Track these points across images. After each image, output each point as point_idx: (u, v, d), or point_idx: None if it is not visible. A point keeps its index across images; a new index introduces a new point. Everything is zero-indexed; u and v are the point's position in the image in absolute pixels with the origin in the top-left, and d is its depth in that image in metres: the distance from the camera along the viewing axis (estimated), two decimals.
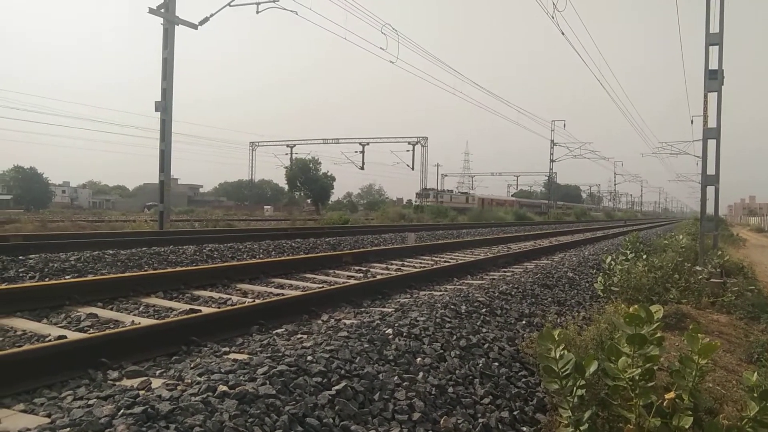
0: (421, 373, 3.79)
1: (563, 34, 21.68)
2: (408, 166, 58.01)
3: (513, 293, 7.14)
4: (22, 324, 4.92)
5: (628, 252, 10.70)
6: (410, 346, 4.21)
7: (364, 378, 3.46)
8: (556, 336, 3.40)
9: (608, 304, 7.67)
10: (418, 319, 4.91)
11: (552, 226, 37.50)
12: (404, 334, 4.43)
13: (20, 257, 8.26)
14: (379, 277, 8.60)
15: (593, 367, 3.25)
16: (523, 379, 4.32)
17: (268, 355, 3.59)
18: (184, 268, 8.17)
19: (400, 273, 9.18)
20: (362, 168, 59.00)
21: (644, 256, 9.76)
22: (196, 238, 13.27)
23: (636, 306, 3.49)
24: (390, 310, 5.65)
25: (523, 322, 5.99)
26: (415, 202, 68.12)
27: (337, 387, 3.25)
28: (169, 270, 7.93)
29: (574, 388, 3.22)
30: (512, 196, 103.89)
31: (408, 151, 57.69)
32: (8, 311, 5.17)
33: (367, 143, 58.52)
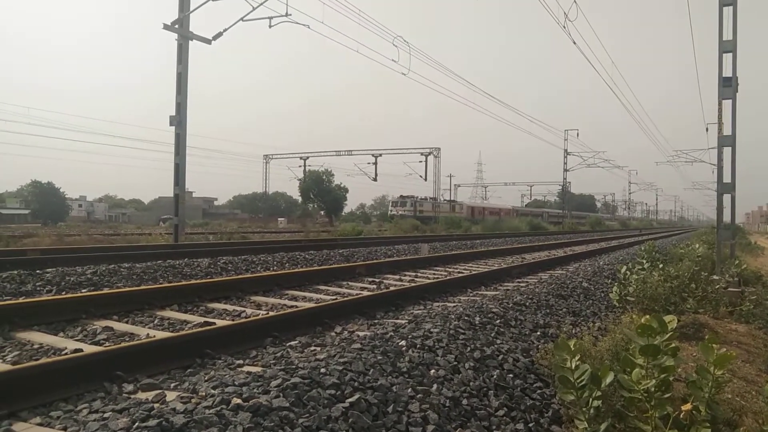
0: (435, 385, 3.78)
1: (575, 43, 21.66)
2: (421, 176, 57.96)
3: (527, 304, 7.09)
4: (39, 337, 4.97)
5: (644, 261, 10.60)
6: (424, 357, 4.20)
7: (377, 390, 3.45)
8: (571, 346, 3.38)
9: (624, 314, 7.60)
10: (432, 330, 4.90)
11: (566, 236, 37.27)
12: (418, 345, 4.42)
13: (38, 271, 8.36)
14: (392, 288, 8.60)
15: (609, 378, 3.22)
16: (538, 391, 4.28)
17: (282, 367, 3.60)
18: (198, 281, 8.22)
19: (413, 284, 9.17)
20: (375, 179, 59.08)
21: (660, 266, 9.66)
22: (211, 251, 13.36)
23: (648, 316, 3.46)
24: (403, 321, 5.64)
25: (538, 333, 5.95)
26: (390, 211, 61.63)
27: (350, 399, 3.24)
28: (184, 283, 7.98)
29: (590, 400, 3.19)
30: (526, 206, 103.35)
31: (420, 162, 57.65)
32: (26, 325, 5.24)
33: (380, 154, 58.64)
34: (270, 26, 21.03)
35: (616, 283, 8.68)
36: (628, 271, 8.90)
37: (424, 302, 7.58)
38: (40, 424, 2.98)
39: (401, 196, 61.66)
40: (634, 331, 3.44)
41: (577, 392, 3.29)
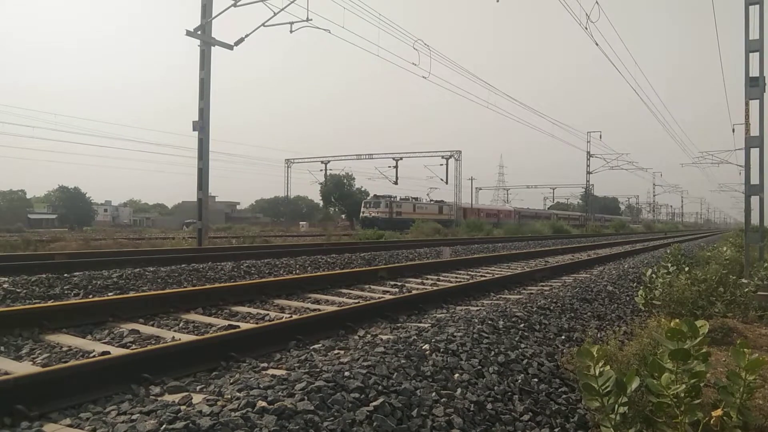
0: (459, 390, 3.76)
1: (597, 44, 21.46)
2: (442, 180, 57.80)
3: (551, 308, 7.03)
4: (67, 340, 5.05)
5: (670, 265, 10.44)
6: (448, 361, 4.18)
7: (401, 394, 3.44)
8: (594, 352, 3.34)
9: (650, 318, 7.49)
10: (455, 334, 4.88)
11: (590, 239, 36.90)
12: (441, 349, 4.40)
13: (65, 274, 8.50)
14: (414, 291, 8.59)
15: (634, 384, 3.17)
16: (564, 396, 4.24)
17: (306, 370, 3.61)
18: (222, 285, 8.29)
19: (435, 288, 9.14)
20: (396, 183, 59.04)
21: (686, 269, 9.51)
22: (234, 255, 13.48)
23: (678, 320, 3.41)
24: (426, 325, 5.63)
25: (563, 337, 5.89)
26: (363, 213, 54.74)
27: (374, 403, 3.24)
28: (208, 286, 8.06)
29: (616, 406, 3.14)
30: (549, 209, 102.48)
31: (441, 165, 57.48)
32: (55, 327, 5.33)
33: (401, 158, 58.58)
34: (291, 31, 21.20)
35: (641, 287, 8.56)
36: (653, 275, 8.78)
37: (446, 306, 7.56)
38: (70, 426, 3.02)
39: (375, 196, 55.74)
40: (663, 335, 3.39)
41: (602, 399, 3.25)
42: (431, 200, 62.81)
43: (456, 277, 11.32)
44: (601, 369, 3.29)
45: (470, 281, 10.19)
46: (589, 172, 65.58)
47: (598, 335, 6.17)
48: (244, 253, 14.48)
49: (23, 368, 4.14)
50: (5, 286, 7.48)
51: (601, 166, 65.96)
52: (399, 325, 6.12)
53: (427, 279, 10.78)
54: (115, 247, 17.96)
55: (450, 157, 57.48)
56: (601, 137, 63.28)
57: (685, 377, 3.16)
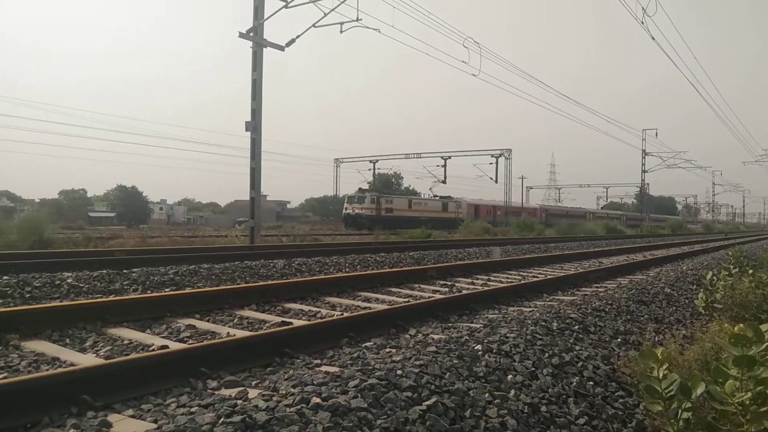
0: (512, 391, 3.71)
1: (653, 39, 20.88)
2: (491, 179, 57.14)
3: (607, 310, 6.86)
4: (128, 334, 5.23)
5: (731, 266, 10.04)
6: (500, 362, 4.13)
7: (454, 394, 3.42)
8: (658, 355, 3.24)
9: (711, 322, 7.21)
10: (508, 335, 4.82)
11: (645, 240, 35.87)
12: (494, 350, 4.36)
13: (124, 270, 8.80)
14: (465, 291, 8.53)
15: (700, 389, 3.06)
16: (620, 400, 4.14)
17: (359, 368, 3.63)
18: (275, 282, 8.43)
19: (486, 288, 9.05)
20: (444, 182, 58.70)
21: (750, 271, 9.12)
22: (285, 253, 13.69)
23: (742, 325, 3.27)
24: (478, 325, 5.58)
25: (619, 339, 5.74)
26: (345, 210, 49.24)
27: (427, 402, 3.23)
28: (261, 283, 8.20)
29: (680, 411, 3.04)
30: (602, 208, 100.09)
31: (491, 163, 56.82)
32: (116, 321, 5.52)
33: (449, 157, 58.22)
34: (341, 32, 21.38)
35: (701, 289, 8.26)
36: (714, 277, 8.46)
37: (498, 306, 7.47)
38: (132, 416, 3.13)
39: (360, 189, 49.35)
40: (726, 339, 3.26)
41: (664, 403, 3.15)
42: (435, 196, 58.44)
43: (507, 278, 11.19)
44: (665, 372, 3.19)
45: (522, 282, 10.05)
46: (644, 171, 63.83)
47: (657, 339, 5.99)
48: (295, 251, 14.68)
49: (88, 360, 4.31)
50: (69, 281, 7.80)
51: (657, 165, 64.14)
52: (450, 324, 6.08)
53: (477, 279, 10.68)
54: (171, 245, 18.48)
55: (500, 155, 56.84)
56: (657, 135, 61.52)
57: (750, 384, 3.04)
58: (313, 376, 3.45)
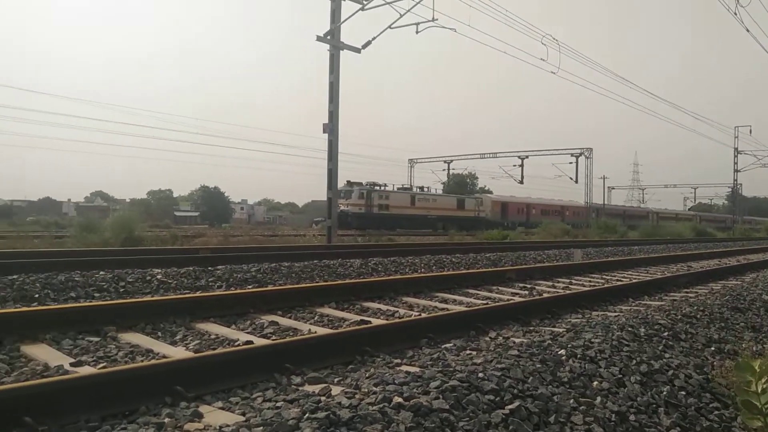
0: (598, 398, 3.58)
1: (748, 30, 19.70)
2: (571, 179, 55.45)
3: (698, 316, 6.51)
4: (214, 329, 5.43)
5: None
6: (585, 368, 4.00)
7: (538, 399, 3.34)
8: (756, 367, 3.05)
9: None
10: (593, 340, 4.66)
11: (738, 243, 33.87)
12: (578, 355, 4.22)
13: (209, 268, 9.15)
14: (546, 295, 8.32)
15: None
16: (716, 412, 3.91)
17: (439, 369, 3.60)
18: (353, 281, 8.54)
19: (568, 291, 8.80)
20: (521, 182, 57.49)
21: None
22: (361, 252, 13.83)
23: None
24: (561, 330, 5.43)
25: (712, 348, 5.43)
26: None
27: (510, 406, 3.16)
28: (340, 282, 8.32)
29: None
30: (689, 210, 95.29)
31: (571, 163, 55.18)
32: (203, 316, 5.75)
33: (527, 156, 56.96)
34: (417, 32, 21.40)
35: None
36: None
37: (581, 311, 7.25)
38: (222, 408, 3.24)
39: (348, 182, 41.32)
40: None
41: (764, 419, 2.96)
42: (442, 193, 54.67)
43: (589, 281, 10.84)
44: (765, 386, 2.99)
45: (605, 285, 9.70)
46: (736, 170, 60.25)
47: (755, 348, 5.63)
48: (371, 251, 14.81)
49: (179, 353, 4.50)
50: (159, 277, 8.20)
51: (752, 164, 60.39)
52: (531, 328, 5.96)
53: (559, 282, 10.41)
54: (252, 243, 19.07)
55: (580, 154, 55.09)
56: (751, 132, 57.94)
57: None
58: (394, 376, 3.45)
